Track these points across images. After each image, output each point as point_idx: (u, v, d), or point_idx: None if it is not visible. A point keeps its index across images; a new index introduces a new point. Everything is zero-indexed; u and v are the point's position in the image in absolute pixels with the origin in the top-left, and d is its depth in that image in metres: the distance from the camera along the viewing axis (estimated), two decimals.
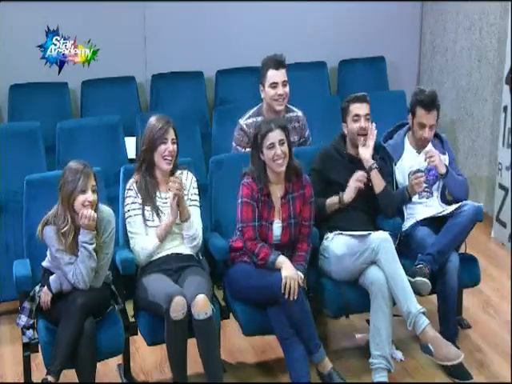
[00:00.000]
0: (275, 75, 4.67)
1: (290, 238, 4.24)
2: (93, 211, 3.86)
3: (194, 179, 4.32)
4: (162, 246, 4.17)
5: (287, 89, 4.70)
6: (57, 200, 3.94)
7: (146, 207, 4.17)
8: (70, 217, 3.89)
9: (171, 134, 4.18)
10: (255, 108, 4.82)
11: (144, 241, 4.14)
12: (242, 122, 4.75)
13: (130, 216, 4.18)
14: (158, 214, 4.17)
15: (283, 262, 4.09)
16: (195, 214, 4.25)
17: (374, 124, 4.55)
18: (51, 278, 3.96)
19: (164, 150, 4.15)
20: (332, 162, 4.56)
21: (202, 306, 3.88)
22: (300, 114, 4.86)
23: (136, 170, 4.25)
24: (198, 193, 4.30)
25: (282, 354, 4.09)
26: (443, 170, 4.58)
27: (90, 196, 3.88)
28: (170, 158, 4.17)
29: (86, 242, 3.88)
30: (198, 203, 4.29)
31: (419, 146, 4.69)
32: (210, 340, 3.93)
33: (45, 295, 3.96)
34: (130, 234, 4.18)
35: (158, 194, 4.21)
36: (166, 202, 4.19)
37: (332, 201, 4.47)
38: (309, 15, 6.64)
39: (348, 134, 4.57)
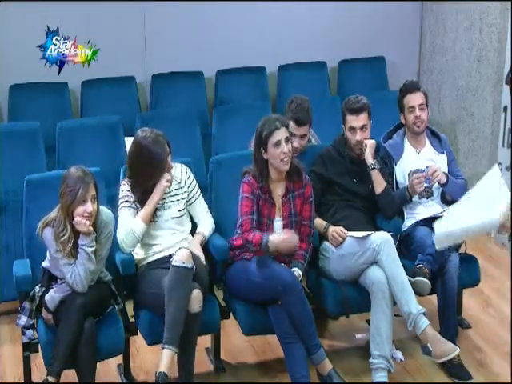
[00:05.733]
0: (296, 129, 4.58)
1: None
2: (88, 222, 3.84)
3: (188, 170, 4.31)
4: (161, 244, 4.18)
5: (304, 141, 4.65)
6: (57, 201, 3.93)
7: (140, 205, 4.16)
8: (70, 224, 3.88)
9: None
10: None
11: (131, 223, 4.11)
12: None
13: (124, 207, 4.16)
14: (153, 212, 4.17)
15: (273, 238, 4.07)
16: (202, 211, 4.31)
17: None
18: (46, 297, 3.95)
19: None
20: (333, 163, 4.55)
21: (192, 300, 3.88)
22: (313, 142, 4.86)
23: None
24: (195, 185, 4.31)
25: (282, 353, 4.09)
26: (444, 180, 4.59)
27: (89, 207, 3.86)
28: None
29: (85, 245, 3.88)
30: (200, 195, 4.32)
31: (416, 133, 4.70)
32: (189, 335, 3.92)
33: (46, 315, 3.96)
34: (119, 222, 4.14)
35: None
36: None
37: (318, 222, 4.43)
38: (309, 15, 6.64)
39: (347, 138, 4.57)
